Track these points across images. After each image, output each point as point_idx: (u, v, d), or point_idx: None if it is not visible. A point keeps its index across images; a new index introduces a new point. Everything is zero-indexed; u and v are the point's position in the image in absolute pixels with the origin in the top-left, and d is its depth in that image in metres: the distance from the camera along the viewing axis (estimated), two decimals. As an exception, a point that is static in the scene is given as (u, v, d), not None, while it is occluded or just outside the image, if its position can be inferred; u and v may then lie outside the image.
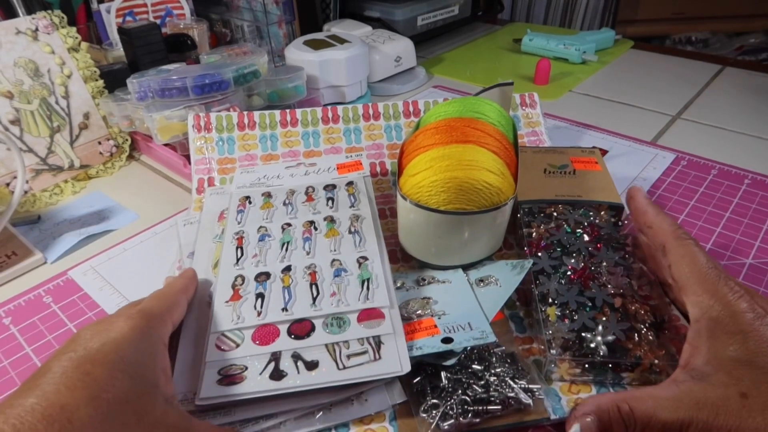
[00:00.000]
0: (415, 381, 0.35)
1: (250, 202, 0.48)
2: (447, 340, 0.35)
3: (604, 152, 0.64)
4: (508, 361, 0.36)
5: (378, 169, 0.57)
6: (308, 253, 0.42)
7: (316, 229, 0.44)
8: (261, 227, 0.45)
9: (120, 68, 0.69)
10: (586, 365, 0.36)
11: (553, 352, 0.35)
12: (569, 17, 1.29)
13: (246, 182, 0.51)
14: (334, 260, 0.41)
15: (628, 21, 1.40)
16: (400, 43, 0.84)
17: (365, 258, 0.41)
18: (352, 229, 0.44)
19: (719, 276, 0.33)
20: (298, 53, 0.73)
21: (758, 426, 0.27)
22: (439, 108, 0.46)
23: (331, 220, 0.45)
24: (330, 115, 0.58)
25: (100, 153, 0.65)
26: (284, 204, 0.48)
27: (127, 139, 0.67)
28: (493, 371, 0.35)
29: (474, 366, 0.35)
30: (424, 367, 0.35)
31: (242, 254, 0.43)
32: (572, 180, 0.49)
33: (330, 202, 0.47)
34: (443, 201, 0.40)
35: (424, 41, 1.01)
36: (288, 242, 0.43)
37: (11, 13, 0.69)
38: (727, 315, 0.30)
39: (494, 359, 0.36)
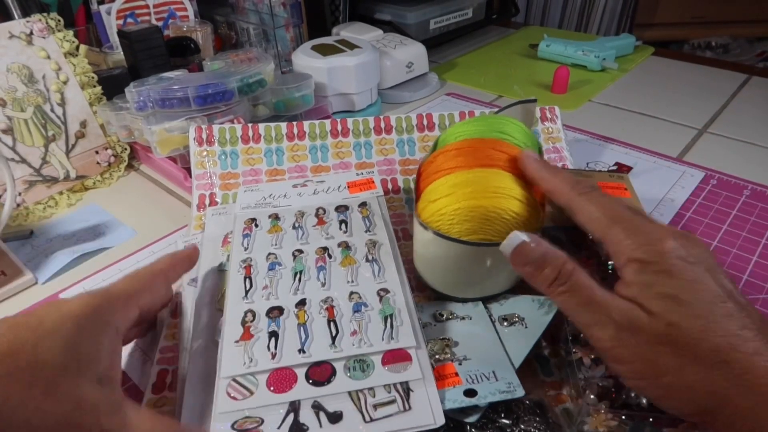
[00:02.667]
0: None
1: (256, 226, 0.44)
2: (470, 393, 0.32)
3: (628, 169, 0.61)
4: (538, 411, 0.33)
5: (390, 186, 0.54)
6: (323, 285, 0.38)
7: (330, 256, 0.41)
8: (270, 254, 0.41)
9: (119, 73, 0.66)
10: (624, 416, 0.32)
11: (587, 400, 0.32)
12: (586, 20, 1.25)
13: (251, 202, 0.47)
14: (352, 293, 0.38)
15: (646, 25, 1.36)
16: (412, 47, 0.81)
17: (386, 291, 0.38)
18: (370, 257, 0.40)
19: (635, 216, 0.31)
20: (305, 59, 0.70)
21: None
22: (459, 127, 0.43)
23: (346, 246, 0.42)
24: (339, 128, 0.55)
25: (98, 163, 0.62)
26: (294, 227, 0.44)
27: (126, 149, 0.64)
28: (522, 426, 0.32)
29: (501, 420, 0.32)
30: (446, 419, 0.32)
31: (251, 285, 0.39)
32: None
33: (343, 225, 0.44)
34: (466, 231, 0.36)
35: (436, 45, 0.97)
36: (300, 272, 0.40)
37: (6, 16, 0.66)
38: (654, 254, 0.29)
39: (521, 410, 0.33)
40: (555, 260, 0.30)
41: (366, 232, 0.43)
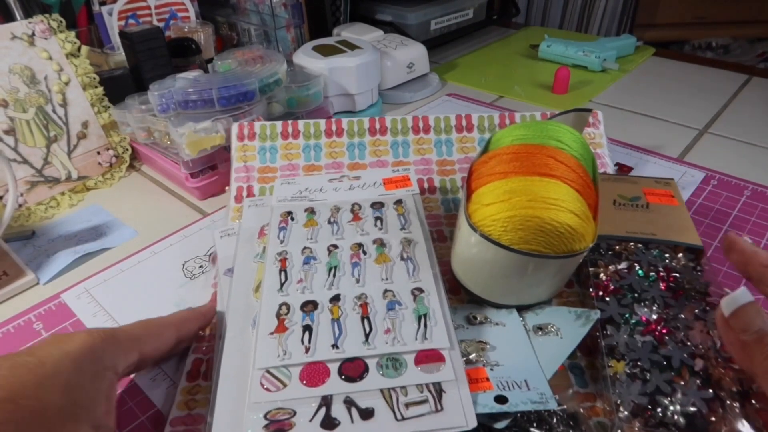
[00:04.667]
0: None
1: (292, 219, 0.45)
2: (501, 400, 0.32)
3: (629, 169, 0.61)
4: (571, 423, 0.32)
5: (426, 185, 0.54)
6: (358, 281, 0.39)
7: (365, 253, 0.41)
8: (305, 248, 0.42)
9: (121, 74, 0.66)
10: None
11: (621, 416, 0.31)
12: (586, 21, 1.25)
13: (287, 195, 0.48)
14: (386, 291, 0.38)
15: (647, 25, 1.36)
16: (413, 48, 0.81)
17: (420, 290, 0.38)
18: (405, 255, 0.40)
19: None
20: (307, 60, 0.70)
21: None
22: (514, 130, 0.42)
23: (380, 243, 0.42)
24: (377, 126, 0.56)
25: (99, 164, 0.62)
26: (329, 222, 0.44)
27: (127, 149, 0.64)
28: None
29: (533, 430, 0.31)
30: (477, 426, 0.32)
31: (286, 278, 0.39)
32: (645, 215, 0.44)
33: (378, 222, 0.44)
34: (518, 240, 0.35)
35: (437, 46, 0.97)
36: (335, 267, 0.40)
37: (8, 17, 0.66)
38: None
39: (555, 421, 0.32)
40: None
41: (401, 230, 0.43)
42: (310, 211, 0.46)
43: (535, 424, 0.32)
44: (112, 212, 0.57)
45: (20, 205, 0.56)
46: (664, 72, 0.88)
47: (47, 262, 0.50)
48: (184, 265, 0.49)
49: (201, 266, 0.48)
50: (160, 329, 0.35)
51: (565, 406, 0.33)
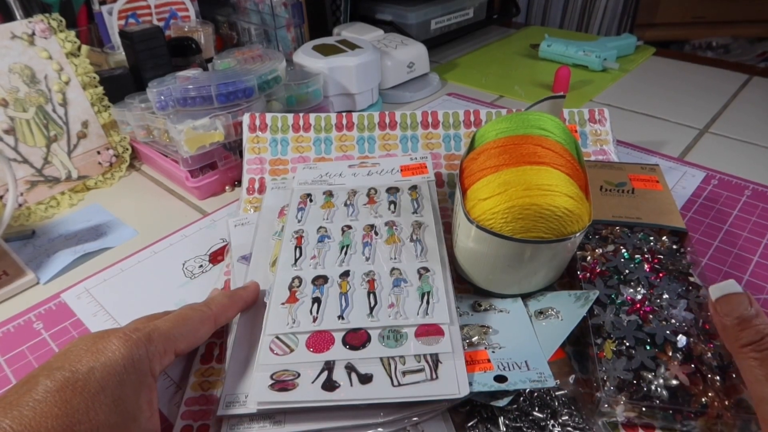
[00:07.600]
0: (469, 425, 0.32)
1: (311, 200, 0.47)
2: (500, 379, 0.33)
3: (629, 169, 0.61)
4: (572, 407, 0.33)
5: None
6: (367, 259, 0.41)
7: (376, 234, 0.43)
8: (321, 227, 0.44)
9: (121, 74, 0.66)
10: (644, 408, 0.32)
11: (607, 392, 0.32)
12: (586, 21, 1.25)
13: (308, 179, 0.50)
14: (393, 269, 0.40)
15: (647, 25, 1.36)
16: (413, 48, 0.81)
17: (426, 269, 0.39)
18: (414, 237, 0.42)
19: None
20: (307, 59, 0.70)
21: None
22: (496, 124, 0.43)
23: (392, 225, 0.44)
24: (387, 120, 0.57)
25: (99, 163, 0.62)
26: (345, 204, 0.46)
27: (127, 149, 0.64)
28: (560, 420, 0.32)
29: (535, 413, 0.32)
30: (479, 409, 0.33)
31: (301, 254, 0.41)
32: (631, 200, 0.45)
33: (392, 206, 0.46)
34: (519, 229, 0.36)
35: (437, 45, 0.97)
36: (347, 246, 0.42)
37: (8, 16, 0.66)
38: None
39: (557, 404, 0.33)
40: (763, 326, 0.30)
41: (413, 213, 0.45)
42: (329, 194, 0.48)
43: (537, 408, 0.32)
44: (113, 212, 0.57)
45: (20, 205, 0.56)
46: (665, 72, 0.88)
47: (47, 262, 0.50)
48: (184, 264, 0.49)
49: (201, 266, 0.48)
50: (198, 326, 0.34)
51: (566, 391, 0.34)
